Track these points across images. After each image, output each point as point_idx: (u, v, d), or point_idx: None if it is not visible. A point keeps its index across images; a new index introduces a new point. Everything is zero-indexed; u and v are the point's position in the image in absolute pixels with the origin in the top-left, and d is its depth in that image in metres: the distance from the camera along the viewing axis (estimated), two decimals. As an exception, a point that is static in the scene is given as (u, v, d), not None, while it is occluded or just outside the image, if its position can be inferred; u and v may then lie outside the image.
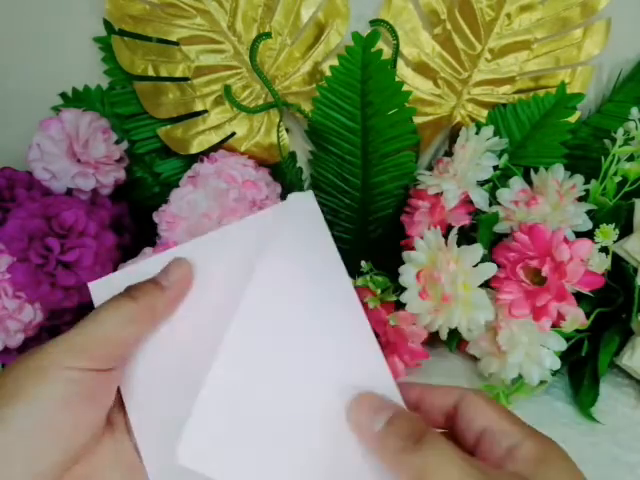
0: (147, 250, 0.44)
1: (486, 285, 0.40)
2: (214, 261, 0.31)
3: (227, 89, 0.48)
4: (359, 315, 0.30)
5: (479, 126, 0.47)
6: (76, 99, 0.52)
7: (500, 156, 0.46)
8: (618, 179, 0.43)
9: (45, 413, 0.25)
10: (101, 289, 0.30)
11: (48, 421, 0.25)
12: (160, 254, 0.31)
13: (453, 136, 0.50)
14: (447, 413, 0.28)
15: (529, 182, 0.45)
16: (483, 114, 0.50)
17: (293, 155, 0.53)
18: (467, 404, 0.27)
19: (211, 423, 0.26)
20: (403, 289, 0.41)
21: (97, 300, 0.30)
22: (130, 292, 0.29)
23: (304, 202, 0.32)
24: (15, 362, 0.27)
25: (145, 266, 0.31)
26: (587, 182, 0.44)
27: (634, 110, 0.44)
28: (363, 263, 0.47)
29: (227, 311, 0.29)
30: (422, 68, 0.49)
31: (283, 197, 0.52)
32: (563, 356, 0.41)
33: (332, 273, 0.30)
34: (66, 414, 0.26)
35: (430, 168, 0.51)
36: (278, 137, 0.49)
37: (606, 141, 0.45)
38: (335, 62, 0.46)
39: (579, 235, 0.41)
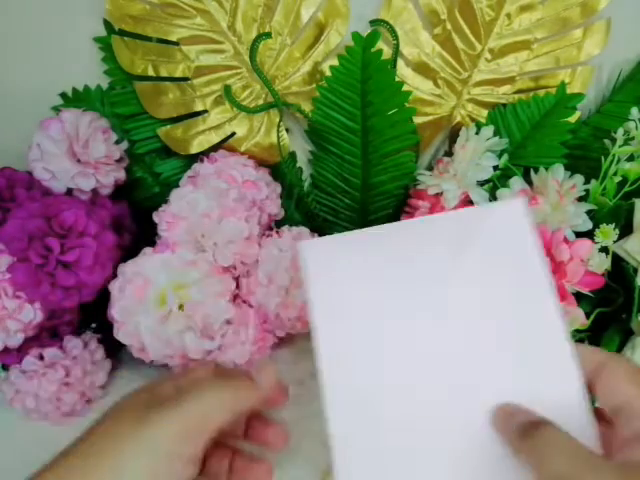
0: (147, 250, 0.44)
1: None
2: (414, 247, 0.31)
3: (227, 89, 0.48)
4: (562, 341, 0.28)
5: (479, 126, 0.47)
6: (76, 99, 0.51)
7: (500, 156, 0.46)
8: (618, 179, 0.43)
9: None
10: (311, 249, 0.31)
11: None
12: (369, 229, 0.31)
13: (453, 136, 0.50)
14: (587, 376, 0.27)
15: (529, 182, 0.45)
16: (483, 114, 0.50)
17: (293, 155, 0.53)
18: (607, 374, 0.27)
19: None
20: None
21: (305, 258, 0.31)
22: (232, 384, 0.32)
23: (513, 209, 0.31)
24: (114, 432, 0.29)
25: (356, 236, 0.32)
26: (587, 182, 0.44)
27: (634, 110, 0.44)
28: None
29: (421, 304, 0.30)
30: (422, 68, 0.49)
31: (283, 197, 0.52)
32: (563, 356, 0.41)
33: (533, 287, 0.29)
34: None
35: (430, 168, 0.51)
36: (278, 137, 0.49)
37: (606, 141, 0.45)
38: (335, 62, 0.46)
39: (579, 235, 0.41)
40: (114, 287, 0.43)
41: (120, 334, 0.43)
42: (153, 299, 0.42)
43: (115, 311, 0.42)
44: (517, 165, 0.46)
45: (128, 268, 0.43)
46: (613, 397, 0.26)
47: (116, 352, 0.49)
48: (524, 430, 0.25)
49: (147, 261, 0.43)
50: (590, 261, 0.39)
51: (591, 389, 0.28)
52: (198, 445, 0.30)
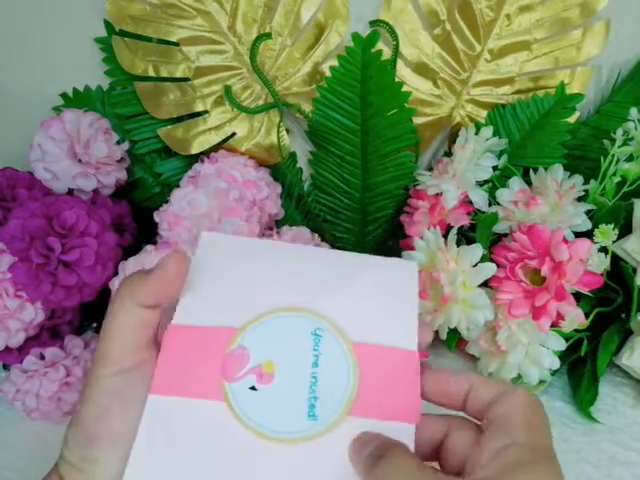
0: (149, 247, 0.44)
1: (485, 285, 0.40)
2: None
3: (227, 90, 0.49)
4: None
5: (478, 126, 0.47)
6: (77, 99, 0.52)
7: (499, 156, 0.46)
8: (617, 179, 0.44)
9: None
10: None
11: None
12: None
13: (453, 136, 0.50)
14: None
15: (528, 182, 0.45)
16: (482, 114, 0.50)
17: (293, 155, 0.53)
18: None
19: None
20: (403, 289, 0.41)
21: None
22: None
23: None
24: None
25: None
26: (586, 182, 0.44)
27: (633, 110, 0.44)
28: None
29: None
30: (422, 69, 0.50)
31: (283, 197, 0.52)
32: (562, 356, 0.41)
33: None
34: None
35: (430, 168, 0.51)
36: (278, 137, 0.49)
37: (605, 141, 0.45)
38: (335, 63, 0.46)
39: (578, 235, 0.41)
40: (115, 284, 0.43)
41: (121, 334, 0.43)
42: (154, 298, 0.42)
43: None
44: (516, 165, 0.47)
45: (129, 265, 0.43)
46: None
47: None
48: (372, 460, 0.24)
49: (148, 258, 0.43)
50: (589, 261, 0.39)
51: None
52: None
